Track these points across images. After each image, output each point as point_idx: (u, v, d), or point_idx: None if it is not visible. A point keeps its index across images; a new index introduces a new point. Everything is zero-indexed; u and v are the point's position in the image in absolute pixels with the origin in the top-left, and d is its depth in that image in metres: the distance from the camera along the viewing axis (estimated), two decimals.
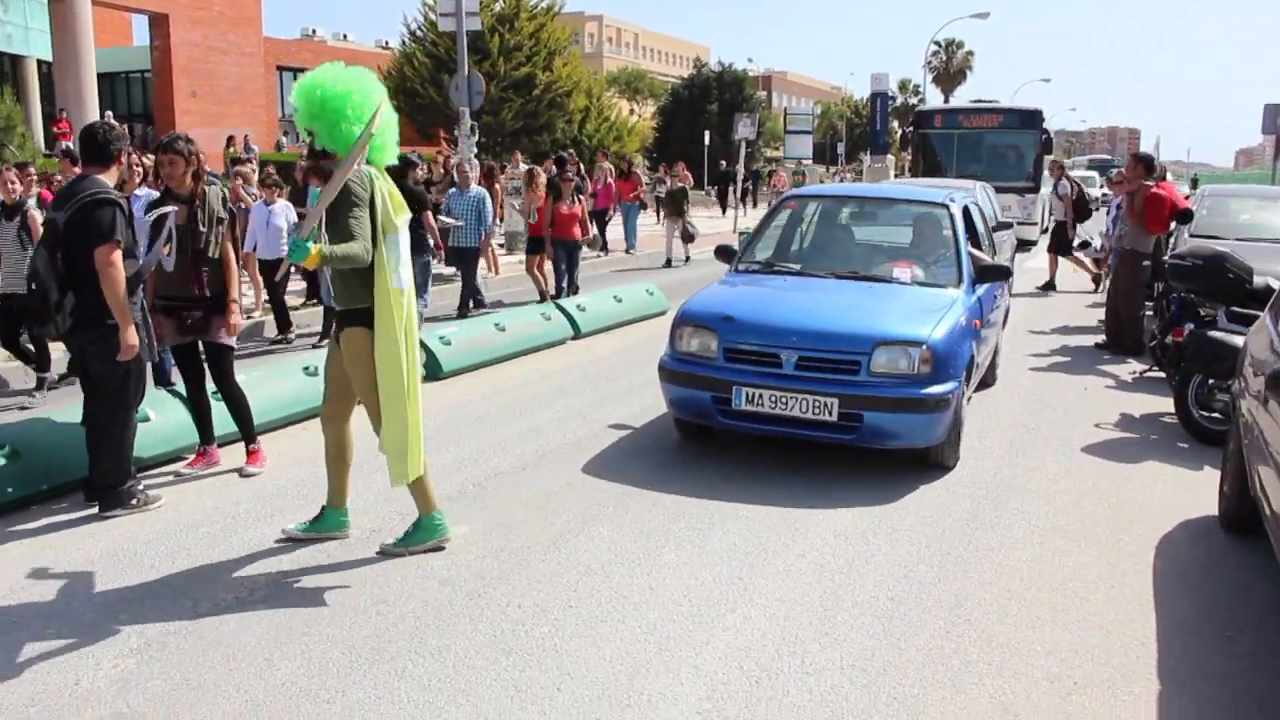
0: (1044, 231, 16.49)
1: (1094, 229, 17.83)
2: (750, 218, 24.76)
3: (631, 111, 53.47)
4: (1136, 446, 6.98)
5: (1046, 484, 6.10)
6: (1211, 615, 4.37)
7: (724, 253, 7.74)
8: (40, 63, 28.33)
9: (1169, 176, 13.76)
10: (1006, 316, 9.02)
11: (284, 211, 10.27)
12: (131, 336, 5.17)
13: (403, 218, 4.68)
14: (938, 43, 71.39)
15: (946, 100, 65.75)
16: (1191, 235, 10.45)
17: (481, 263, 12.94)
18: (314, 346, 9.67)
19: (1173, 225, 10.57)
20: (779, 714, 3.53)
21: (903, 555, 4.94)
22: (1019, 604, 4.43)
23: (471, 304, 12.12)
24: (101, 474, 5.35)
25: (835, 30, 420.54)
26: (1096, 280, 14.99)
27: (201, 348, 6.05)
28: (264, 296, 10.94)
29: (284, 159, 20.90)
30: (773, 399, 5.92)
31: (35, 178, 10.31)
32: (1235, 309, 7.23)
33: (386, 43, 51.91)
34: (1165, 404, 7.82)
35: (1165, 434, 7.30)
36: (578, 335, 10.77)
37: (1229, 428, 5.58)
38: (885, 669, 3.84)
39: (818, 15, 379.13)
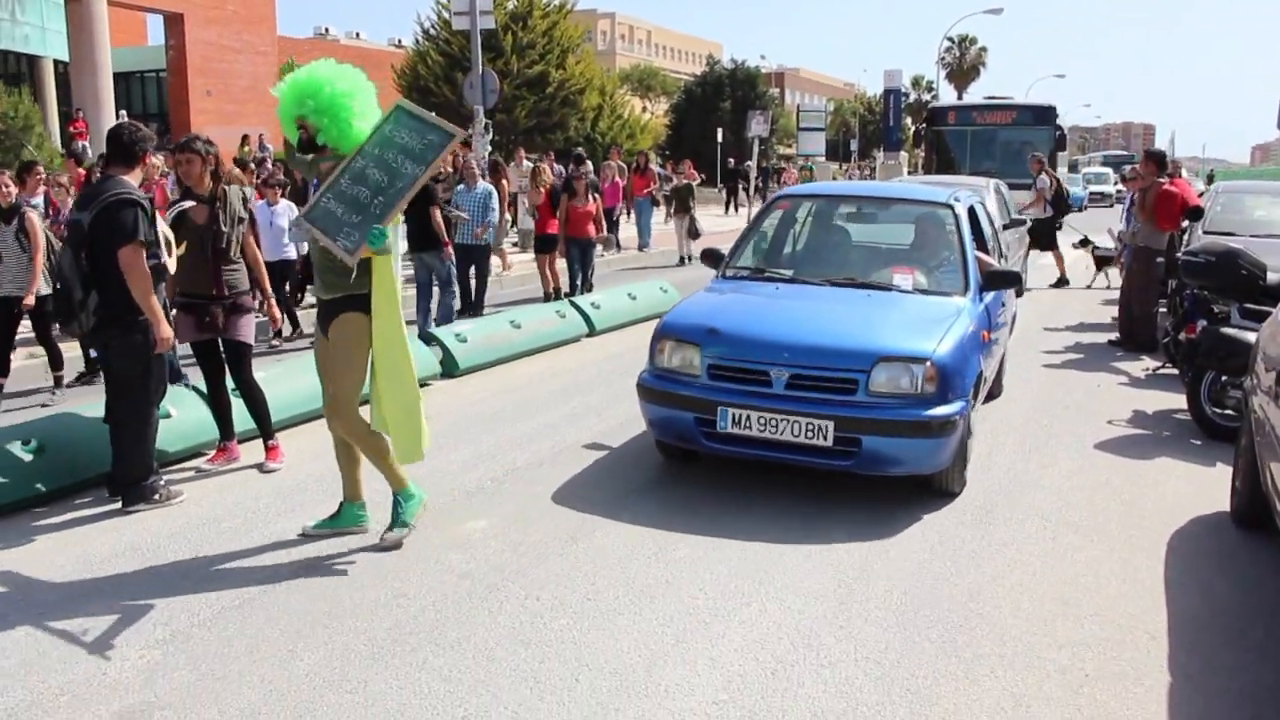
0: (1057, 228, 16.41)
1: (1092, 225, 17.82)
2: None
3: (644, 109, 53.50)
4: (1149, 443, 7.01)
5: (1059, 480, 6.14)
6: (1222, 610, 4.40)
7: (710, 257, 7.21)
8: (57, 63, 28.50)
9: (1184, 173, 13.70)
10: (1014, 323, 8.54)
11: (286, 212, 10.15)
12: (165, 330, 5.30)
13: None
14: (951, 39, 71.21)
15: (960, 97, 65.55)
16: (1205, 232, 10.45)
17: (496, 262, 12.92)
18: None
19: (1185, 222, 10.57)
20: (795, 704, 3.59)
21: (916, 549, 4.99)
22: (1031, 598, 4.47)
23: (460, 305, 11.22)
24: (124, 469, 5.44)
25: (848, 27, 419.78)
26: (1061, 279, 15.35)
27: (221, 345, 6.14)
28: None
29: None
30: (761, 421, 5.43)
31: (44, 178, 10.24)
32: (1248, 305, 7.25)
33: (400, 41, 52.10)
34: (1178, 400, 7.84)
35: (1178, 430, 7.32)
36: (592, 333, 10.83)
37: (1241, 424, 5.60)
38: (899, 661, 3.89)
39: (830, 12, 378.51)
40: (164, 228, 5.61)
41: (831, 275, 6.58)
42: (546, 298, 12.76)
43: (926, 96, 68.21)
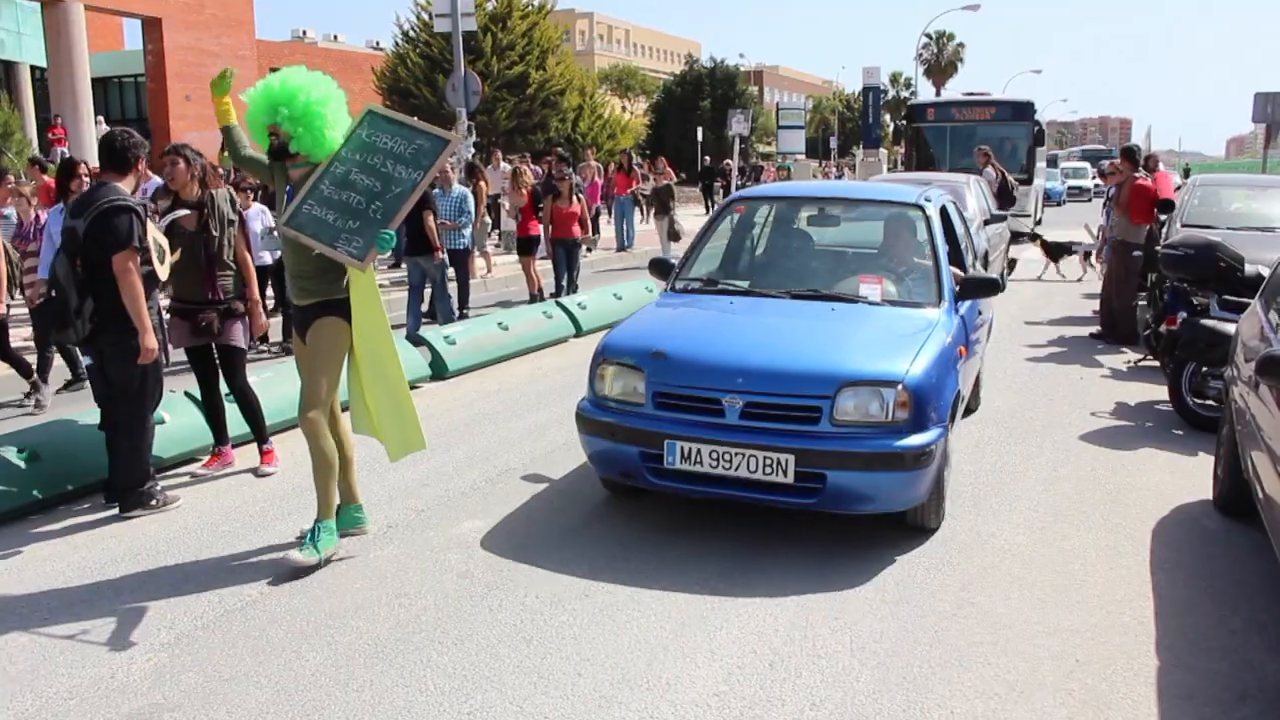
0: (1037, 223, 16.57)
1: (1071, 220, 18.01)
2: None
3: (624, 109, 53.58)
4: (1132, 434, 7.13)
5: (1045, 471, 6.24)
6: (1207, 593, 4.51)
7: (658, 267, 6.54)
8: (34, 69, 28.31)
9: (1162, 166, 13.85)
10: (990, 328, 7.75)
11: (259, 216, 9.93)
12: (150, 340, 5.29)
13: None
14: (929, 35, 71.63)
15: (938, 93, 65.81)
16: (1184, 225, 10.59)
17: (480, 264, 12.93)
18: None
19: (1163, 216, 10.72)
20: (792, 694, 3.67)
21: (909, 542, 5.07)
22: (1021, 586, 4.57)
23: (444, 312, 10.86)
24: (121, 475, 5.47)
25: (826, 24, 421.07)
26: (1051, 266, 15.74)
27: (214, 350, 6.17)
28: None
29: None
30: (714, 456, 4.81)
31: (13, 186, 9.93)
32: (1227, 297, 7.37)
33: (378, 43, 51.96)
34: (1160, 392, 7.98)
35: (1160, 421, 7.44)
36: (579, 333, 10.90)
37: (1222, 413, 5.72)
38: (894, 650, 3.98)
39: (808, 9, 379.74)
40: (157, 234, 5.63)
41: (792, 287, 5.95)
42: (532, 299, 12.82)
43: (905, 93, 68.62)
